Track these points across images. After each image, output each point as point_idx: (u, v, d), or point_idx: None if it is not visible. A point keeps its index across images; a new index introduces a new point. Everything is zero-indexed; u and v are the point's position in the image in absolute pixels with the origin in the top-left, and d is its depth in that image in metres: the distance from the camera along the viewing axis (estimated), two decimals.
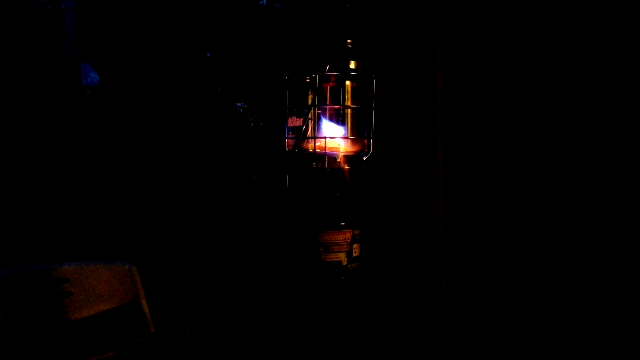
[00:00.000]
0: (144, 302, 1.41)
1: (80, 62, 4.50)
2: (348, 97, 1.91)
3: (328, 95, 1.92)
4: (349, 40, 1.92)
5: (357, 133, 1.93)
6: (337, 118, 1.91)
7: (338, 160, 1.89)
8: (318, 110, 1.89)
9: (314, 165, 1.89)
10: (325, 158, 1.88)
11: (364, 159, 1.95)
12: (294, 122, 1.95)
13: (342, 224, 1.86)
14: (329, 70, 1.85)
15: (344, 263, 1.85)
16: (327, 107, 1.91)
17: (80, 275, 1.33)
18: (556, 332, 1.85)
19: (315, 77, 1.86)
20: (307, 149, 1.90)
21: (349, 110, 1.91)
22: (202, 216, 3.40)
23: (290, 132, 1.97)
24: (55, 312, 1.30)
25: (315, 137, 1.87)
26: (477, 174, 2.09)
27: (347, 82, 1.91)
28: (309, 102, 1.90)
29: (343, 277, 1.85)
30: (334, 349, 1.74)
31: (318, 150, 1.87)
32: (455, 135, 2.00)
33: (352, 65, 1.91)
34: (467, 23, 2.02)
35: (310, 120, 1.88)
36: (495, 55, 2.35)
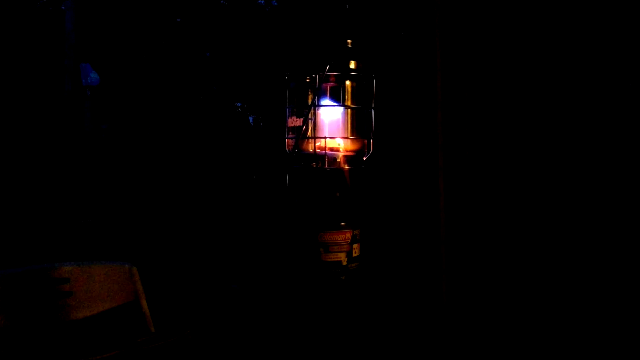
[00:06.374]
0: (144, 302, 1.41)
1: (80, 62, 4.50)
2: (348, 97, 1.91)
3: (328, 95, 1.92)
4: (349, 40, 1.92)
5: (357, 133, 1.93)
6: (337, 118, 1.91)
7: (338, 160, 1.89)
8: (318, 110, 1.89)
9: (314, 165, 1.88)
10: (325, 158, 1.88)
11: (364, 159, 1.95)
12: (294, 122, 1.95)
13: (342, 224, 1.86)
14: (329, 70, 1.85)
15: (344, 263, 1.85)
16: (327, 107, 1.91)
17: (80, 275, 1.34)
18: (556, 332, 1.85)
19: (315, 77, 1.86)
20: (307, 149, 1.90)
21: (349, 110, 1.91)
22: (202, 216, 3.40)
23: (290, 132, 1.97)
24: (55, 312, 1.30)
25: (315, 137, 1.87)
26: (478, 173, 2.09)
27: (347, 82, 1.91)
28: (309, 102, 1.90)
29: (343, 277, 1.85)
30: (334, 349, 1.74)
31: (318, 150, 1.87)
32: (455, 135, 2.00)
33: (352, 65, 1.91)
34: (467, 23, 2.02)
35: (310, 120, 1.88)
36: (494, 54, 2.35)
